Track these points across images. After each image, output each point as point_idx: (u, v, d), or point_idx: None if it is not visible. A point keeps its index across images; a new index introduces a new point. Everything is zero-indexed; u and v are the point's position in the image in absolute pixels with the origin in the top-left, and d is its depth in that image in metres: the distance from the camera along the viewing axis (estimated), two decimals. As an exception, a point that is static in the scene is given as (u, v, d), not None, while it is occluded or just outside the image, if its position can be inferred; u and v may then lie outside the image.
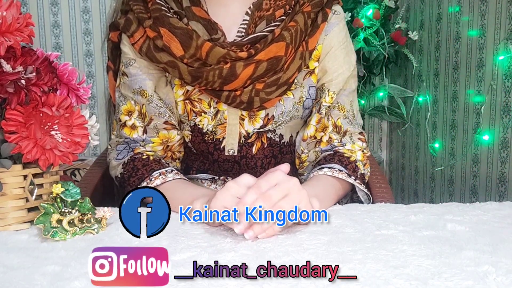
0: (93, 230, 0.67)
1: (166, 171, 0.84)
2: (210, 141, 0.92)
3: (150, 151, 0.90)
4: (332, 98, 0.91)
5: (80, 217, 0.68)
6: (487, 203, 0.81)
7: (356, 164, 0.89)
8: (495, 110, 1.73)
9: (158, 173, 0.84)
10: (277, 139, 0.94)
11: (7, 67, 0.65)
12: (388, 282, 0.50)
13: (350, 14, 2.23)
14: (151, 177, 0.83)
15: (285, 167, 0.67)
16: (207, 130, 0.91)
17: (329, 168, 0.86)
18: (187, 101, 0.90)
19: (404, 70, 2.48)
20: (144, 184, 0.83)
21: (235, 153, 0.93)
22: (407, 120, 2.39)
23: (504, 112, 1.69)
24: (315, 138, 0.93)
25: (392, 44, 2.24)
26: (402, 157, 2.56)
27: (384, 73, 2.32)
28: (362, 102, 2.41)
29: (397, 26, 2.26)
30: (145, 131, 0.90)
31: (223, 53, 0.82)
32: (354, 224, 0.70)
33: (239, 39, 0.87)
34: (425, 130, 2.24)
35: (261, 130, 0.92)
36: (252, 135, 0.92)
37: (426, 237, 0.64)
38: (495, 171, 1.75)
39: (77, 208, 0.68)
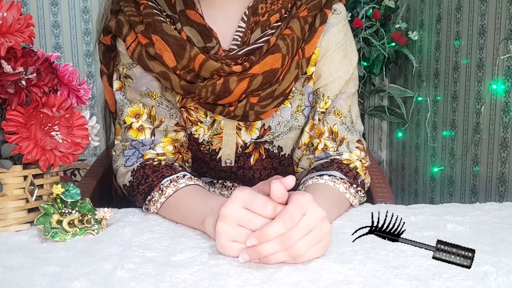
0: (93, 230, 0.67)
1: (178, 177, 0.78)
2: (206, 151, 0.90)
3: (161, 154, 0.84)
4: (326, 103, 0.86)
5: (80, 217, 0.68)
6: (487, 204, 0.81)
7: (357, 171, 0.84)
8: (495, 110, 1.73)
9: (169, 181, 0.77)
10: (276, 151, 0.91)
11: (7, 68, 0.65)
12: (388, 282, 0.50)
13: (350, 14, 2.23)
14: (161, 186, 0.77)
15: (290, 180, 0.58)
16: (203, 140, 0.88)
17: (330, 175, 0.79)
18: (183, 109, 0.87)
19: (404, 70, 2.48)
20: (156, 194, 0.76)
21: (232, 164, 0.91)
22: (407, 120, 2.39)
23: (504, 112, 1.69)
24: (312, 145, 0.88)
25: (392, 44, 2.24)
26: (402, 157, 2.56)
27: (384, 73, 2.32)
28: (362, 102, 2.41)
29: (397, 26, 2.26)
30: (153, 134, 0.85)
31: (217, 67, 0.78)
32: (354, 224, 0.70)
33: (235, 48, 0.83)
34: (425, 130, 2.24)
35: (258, 140, 0.89)
36: (249, 145, 0.89)
37: (427, 237, 0.64)
38: (495, 171, 1.74)
39: (77, 208, 0.68)
